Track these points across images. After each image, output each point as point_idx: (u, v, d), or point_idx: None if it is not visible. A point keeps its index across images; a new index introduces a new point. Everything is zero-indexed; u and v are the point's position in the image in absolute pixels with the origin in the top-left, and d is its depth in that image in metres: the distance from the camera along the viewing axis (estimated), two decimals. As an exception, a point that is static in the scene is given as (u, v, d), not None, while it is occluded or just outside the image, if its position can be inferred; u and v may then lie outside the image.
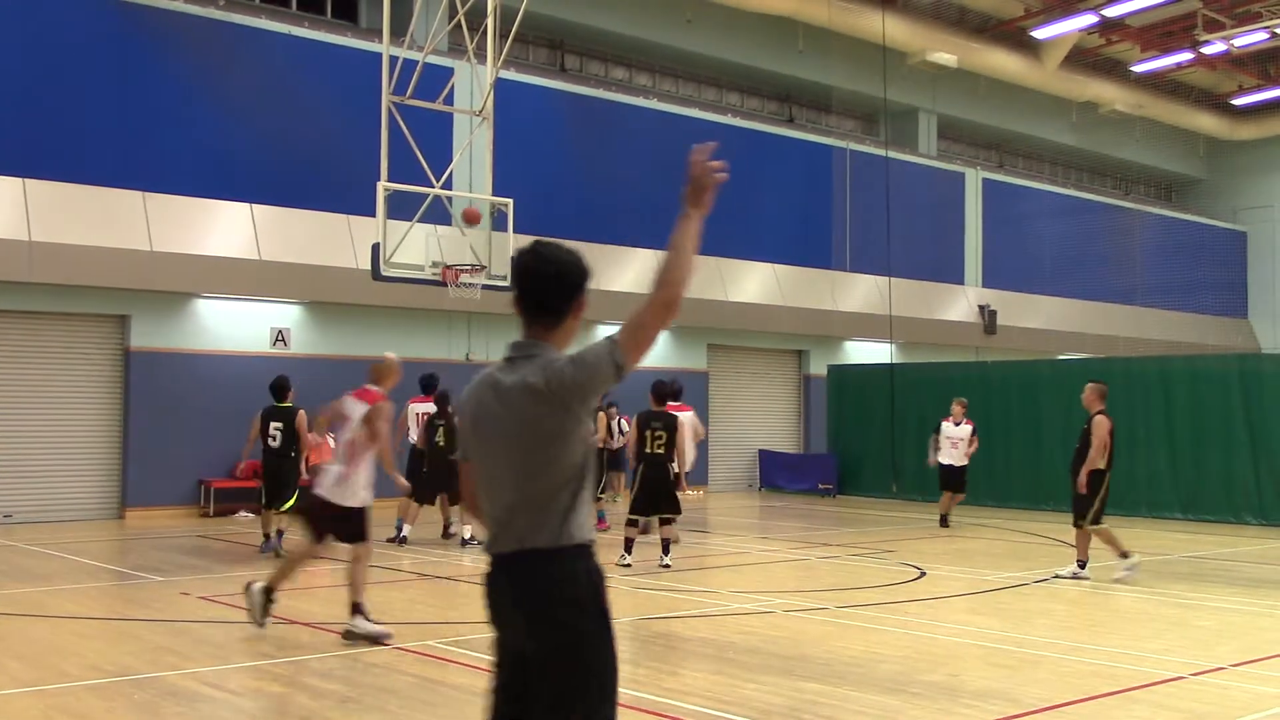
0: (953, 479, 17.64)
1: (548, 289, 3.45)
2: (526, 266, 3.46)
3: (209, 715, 6.66)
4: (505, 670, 3.42)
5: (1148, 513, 19.24)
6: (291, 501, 13.34)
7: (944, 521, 17.60)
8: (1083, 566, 12.11)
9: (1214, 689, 7.33)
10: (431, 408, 14.80)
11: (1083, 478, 11.96)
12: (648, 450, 12.55)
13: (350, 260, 18.65)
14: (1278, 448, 18.22)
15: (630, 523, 12.81)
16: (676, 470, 12.76)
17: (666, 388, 13.09)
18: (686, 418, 14.32)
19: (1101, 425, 11.93)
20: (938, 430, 17.79)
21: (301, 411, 13.48)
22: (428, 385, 15.04)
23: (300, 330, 19.39)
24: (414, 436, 14.83)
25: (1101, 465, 11.95)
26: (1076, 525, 12.15)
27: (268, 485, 13.61)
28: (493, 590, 3.43)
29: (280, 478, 13.50)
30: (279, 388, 13.59)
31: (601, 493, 17.31)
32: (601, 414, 17.60)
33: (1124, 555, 11.99)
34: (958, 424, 17.54)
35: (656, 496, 12.60)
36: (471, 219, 15.62)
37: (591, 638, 3.33)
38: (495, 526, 3.42)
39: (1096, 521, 12.00)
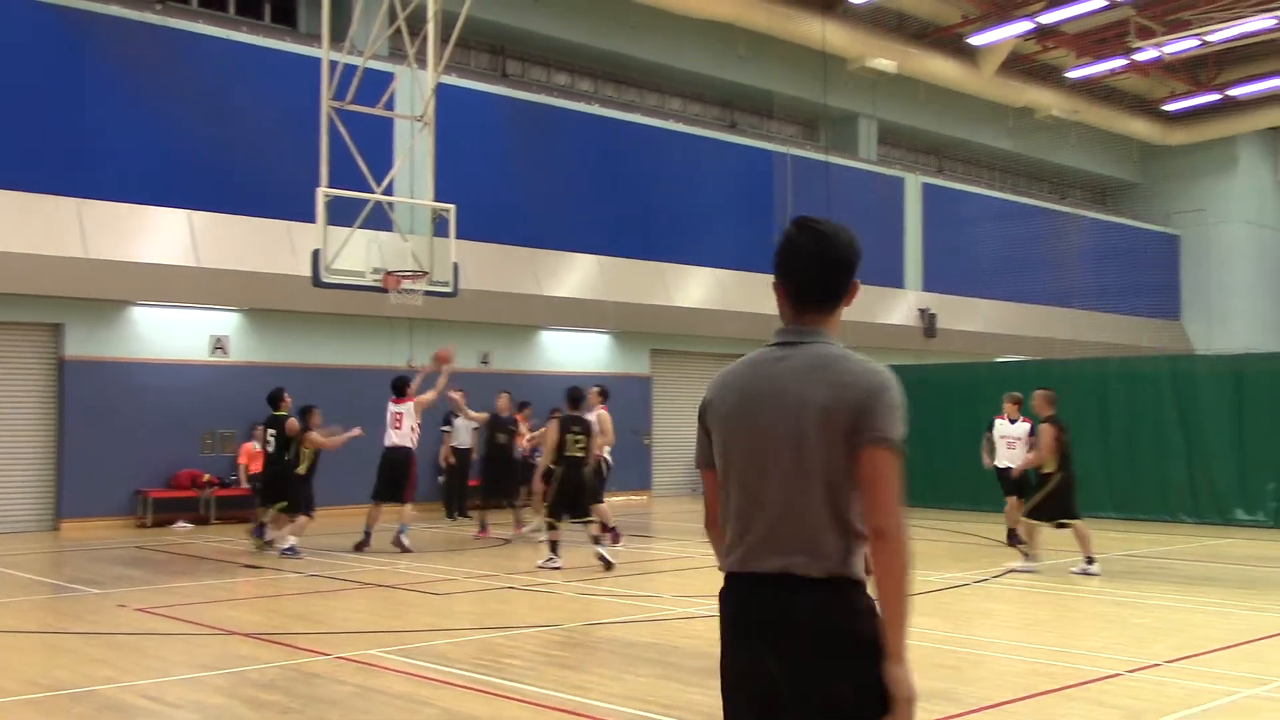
0: (1011, 483, 15.08)
1: (828, 273, 3.08)
2: (807, 249, 3.09)
3: (146, 729, 6.57)
4: None
5: (1083, 512, 19.45)
6: (286, 503, 14.34)
7: (1012, 538, 14.87)
8: (1090, 562, 12.54)
9: (1150, 685, 7.45)
10: (400, 407, 15.12)
11: (1016, 470, 12.94)
12: (568, 453, 12.95)
13: (290, 267, 18.46)
14: (1210, 447, 18.56)
15: (551, 525, 13.15)
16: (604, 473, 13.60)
17: (580, 392, 13.56)
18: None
19: (1045, 433, 12.66)
20: (990, 429, 15.59)
21: (292, 419, 14.35)
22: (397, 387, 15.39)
23: (239, 338, 19.17)
24: (393, 439, 15.10)
25: (1051, 468, 12.64)
26: (1059, 524, 12.76)
27: (263, 488, 14.96)
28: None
29: (272, 481, 14.60)
30: (272, 398, 14.61)
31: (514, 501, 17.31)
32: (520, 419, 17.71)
33: (1032, 557, 12.69)
34: (1013, 421, 15.29)
35: (575, 498, 13.02)
36: (442, 359, 15.66)
37: None
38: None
39: (1031, 515, 12.81)
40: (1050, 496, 12.66)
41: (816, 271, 3.08)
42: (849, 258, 3.10)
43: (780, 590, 2.93)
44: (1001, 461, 15.29)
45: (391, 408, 15.14)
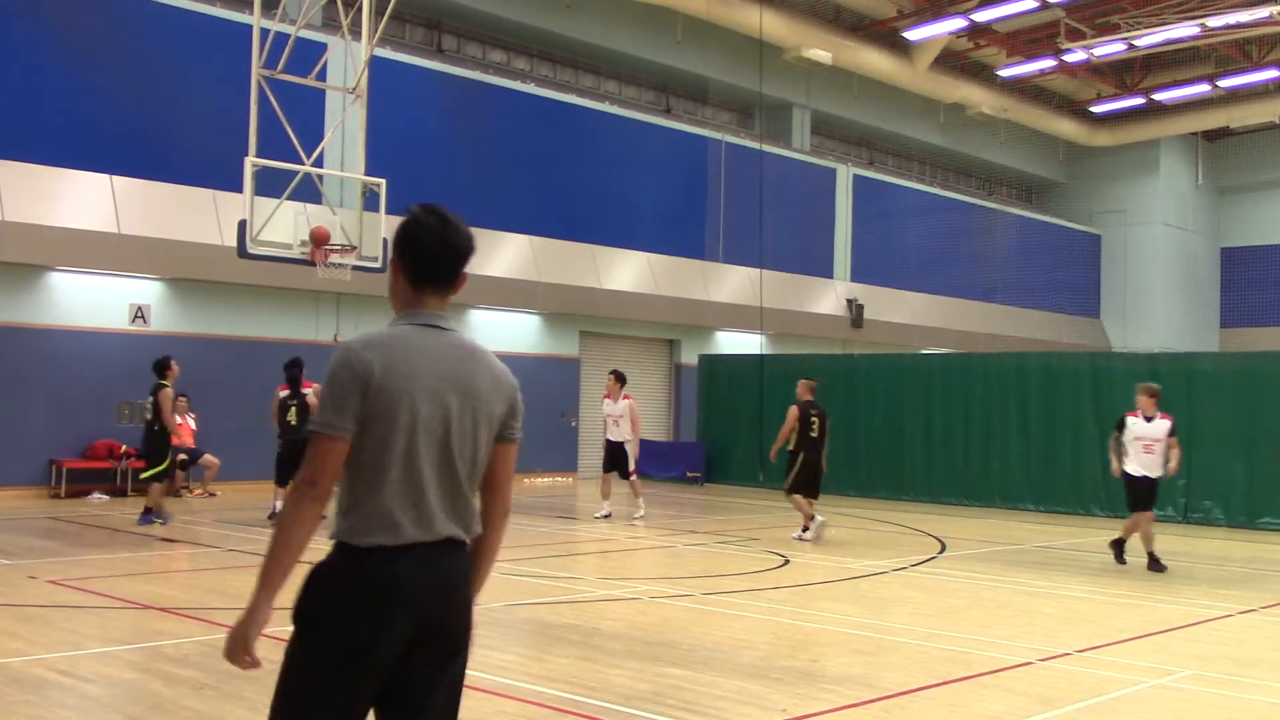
0: (1145, 495, 13.00)
1: (461, 261, 3.31)
2: (442, 235, 3.25)
3: (57, 703, 6.44)
4: None
5: (1001, 504, 19.90)
6: (153, 472, 14.25)
7: (1154, 562, 12.84)
8: (806, 530, 14.41)
9: (1060, 674, 7.62)
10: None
11: (771, 453, 14.67)
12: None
13: (215, 236, 18.16)
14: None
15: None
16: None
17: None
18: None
19: (790, 414, 14.55)
20: (1120, 428, 13.16)
21: (166, 390, 14.14)
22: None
23: (161, 307, 18.80)
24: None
25: (789, 447, 14.48)
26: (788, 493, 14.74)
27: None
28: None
29: (144, 450, 14.58)
30: (154, 366, 14.48)
31: None
32: None
33: (805, 528, 14.43)
34: (1149, 419, 12.92)
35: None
36: (320, 238, 15.40)
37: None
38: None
39: (794, 491, 14.52)
40: (801, 472, 14.45)
41: (453, 258, 3.27)
42: (472, 248, 3.30)
43: (447, 555, 3.19)
44: (1135, 468, 12.97)
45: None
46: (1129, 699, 7.03)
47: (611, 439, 16.74)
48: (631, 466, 16.88)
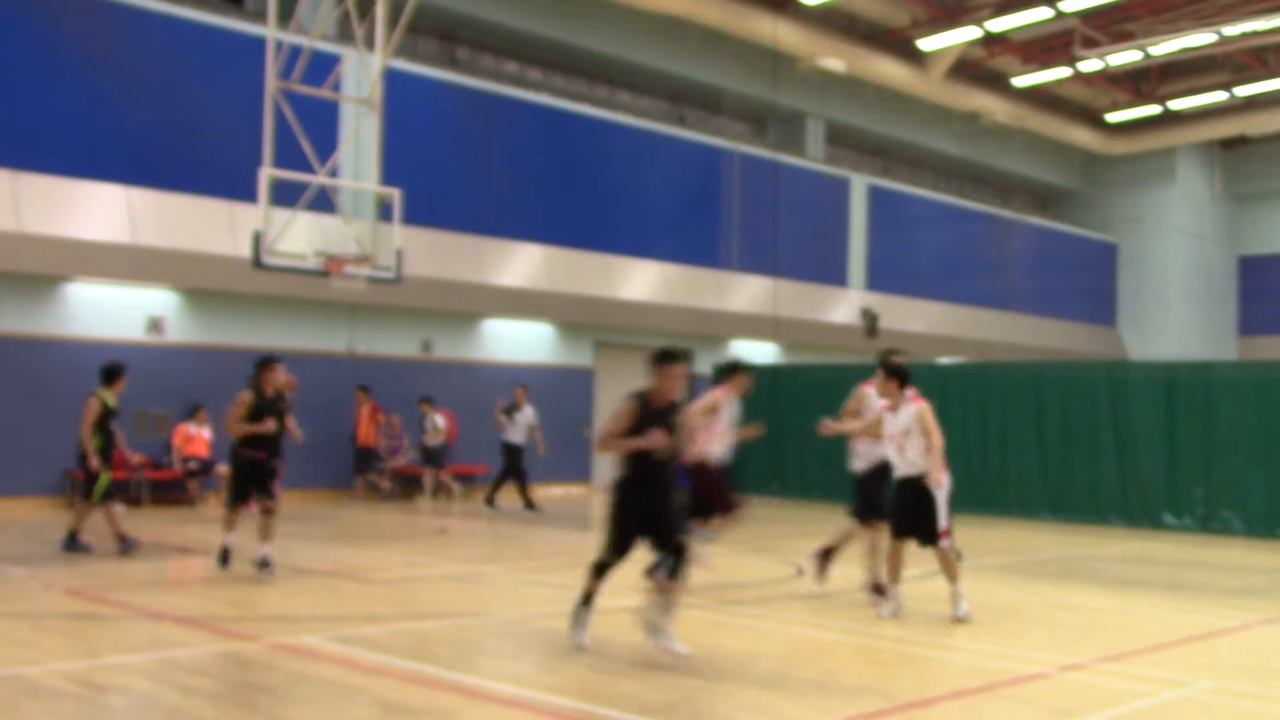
0: None
1: None
2: None
3: (72, 713, 6.45)
4: None
5: (1018, 513, 19.79)
6: None
7: None
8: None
9: (1078, 685, 7.56)
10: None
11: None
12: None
13: (230, 247, 18.22)
14: (1142, 451, 18.87)
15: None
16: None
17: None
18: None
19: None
20: None
21: None
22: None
23: (177, 318, 18.87)
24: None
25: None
26: None
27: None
28: None
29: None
30: None
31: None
32: (367, 404, 19.84)
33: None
34: None
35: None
36: (331, 268, 15.26)
37: None
38: None
39: None
40: None
41: None
42: None
43: None
44: None
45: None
46: (1147, 711, 6.98)
47: (905, 474, 9.91)
48: (943, 522, 9.70)
